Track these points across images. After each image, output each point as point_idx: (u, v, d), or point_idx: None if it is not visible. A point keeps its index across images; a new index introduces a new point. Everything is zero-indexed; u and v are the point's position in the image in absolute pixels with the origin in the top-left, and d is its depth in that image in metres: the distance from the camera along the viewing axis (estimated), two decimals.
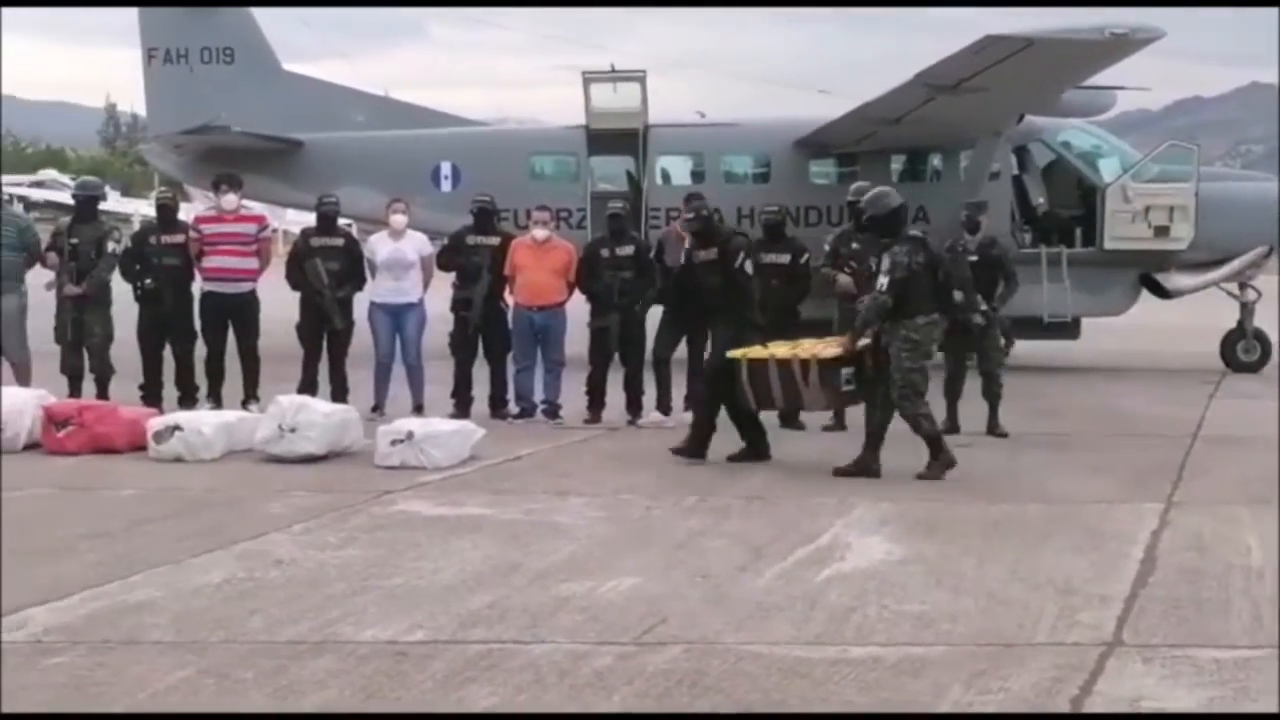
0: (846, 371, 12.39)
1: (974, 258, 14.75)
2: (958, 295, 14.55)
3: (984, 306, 14.64)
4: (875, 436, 12.20)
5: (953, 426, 14.66)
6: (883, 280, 12.08)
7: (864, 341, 12.29)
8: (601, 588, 8.14)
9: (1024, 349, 22.19)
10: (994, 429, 14.64)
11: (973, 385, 14.79)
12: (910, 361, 12.03)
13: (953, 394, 14.81)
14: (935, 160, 22.57)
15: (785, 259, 15.10)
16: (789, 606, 7.77)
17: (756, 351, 12.74)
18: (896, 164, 22.55)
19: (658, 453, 12.85)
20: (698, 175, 22.65)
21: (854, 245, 14.94)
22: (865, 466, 12.07)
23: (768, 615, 7.61)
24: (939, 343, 12.40)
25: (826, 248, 15.16)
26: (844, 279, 14.76)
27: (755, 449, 12.85)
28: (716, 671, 6.59)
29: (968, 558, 9.07)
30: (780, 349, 12.75)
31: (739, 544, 9.37)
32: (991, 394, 14.76)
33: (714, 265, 13.40)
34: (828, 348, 12.59)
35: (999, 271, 14.91)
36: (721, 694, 6.31)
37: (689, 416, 14.83)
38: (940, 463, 12.02)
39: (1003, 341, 15.68)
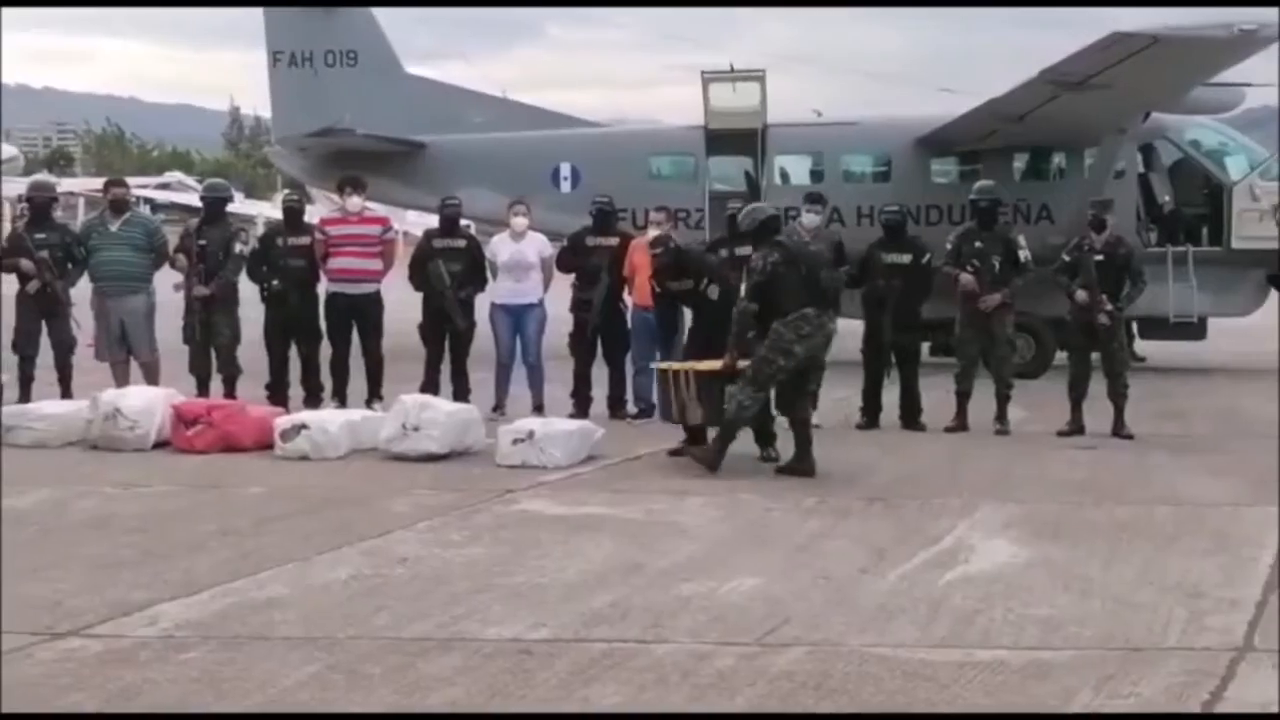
0: (733, 388, 12.22)
1: (1100, 257, 14.55)
2: (1081, 295, 14.44)
3: (1109, 307, 14.44)
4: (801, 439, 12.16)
5: (1076, 427, 14.51)
6: (743, 287, 12.16)
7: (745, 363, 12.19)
8: (723, 588, 8.14)
9: (1149, 350, 21.91)
10: (1119, 431, 14.43)
11: (1098, 387, 14.60)
12: (766, 351, 11.95)
13: (1077, 395, 14.63)
14: (1059, 159, 22.28)
15: (906, 259, 15.01)
16: (912, 609, 7.73)
17: (668, 365, 12.95)
18: (1019, 162, 22.29)
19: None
20: (817, 175, 22.53)
21: (977, 244, 14.85)
22: (799, 465, 12.02)
23: (891, 617, 7.56)
24: (813, 338, 12.06)
25: (949, 247, 15.07)
26: (966, 278, 14.66)
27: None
28: (840, 673, 6.56)
29: (1094, 560, 8.96)
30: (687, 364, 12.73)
31: (860, 545, 9.33)
32: (1117, 395, 14.54)
33: (691, 294, 13.40)
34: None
35: (1126, 271, 14.68)
36: (846, 696, 6.28)
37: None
38: (708, 451, 11.98)
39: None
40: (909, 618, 7.55)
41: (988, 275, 14.68)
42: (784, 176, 22.88)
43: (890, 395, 15.10)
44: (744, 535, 9.75)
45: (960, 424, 14.71)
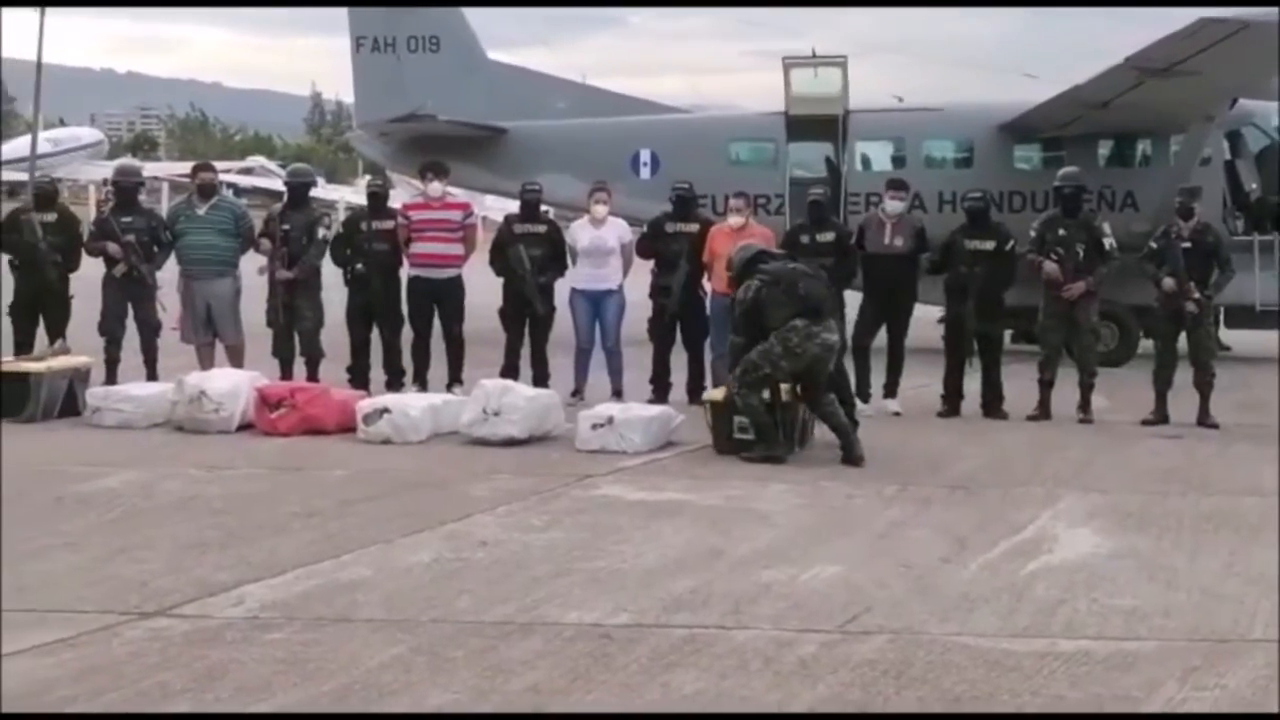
0: (740, 420, 12.20)
1: (1187, 244, 14.39)
2: (1168, 283, 14.28)
3: (1197, 294, 14.27)
4: (839, 431, 12.16)
5: (1161, 417, 14.38)
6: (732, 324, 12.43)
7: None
8: (804, 575, 8.13)
9: (1232, 339, 21.62)
10: (1205, 420, 14.29)
11: (1183, 376, 14.44)
12: (755, 355, 12.04)
13: (1162, 384, 14.48)
14: (1144, 145, 22.06)
15: (990, 245, 14.87)
16: (995, 598, 7.68)
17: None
18: (1104, 149, 22.09)
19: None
20: (898, 161, 22.41)
21: (1060, 231, 14.72)
22: (846, 457, 12.01)
23: (973, 606, 7.52)
24: (801, 353, 12.02)
25: (1032, 234, 14.95)
26: (1050, 266, 14.53)
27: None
28: (922, 662, 6.54)
29: (1179, 551, 8.89)
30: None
31: (942, 534, 9.29)
32: (1203, 384, 14.39)
33: None
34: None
35: (1213, 259, 14.51)
36: (928, 685, 6.25)
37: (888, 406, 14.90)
38: (762, 453, 11.93)
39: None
40: (991, 607, 7.51)
41: (1071, 263, 14.54)
42: (865, 163, 22.78)
43: (972, 383, 15.01)
44: (825, 522, 9.72)
45: (1043, 412, 14.60)
